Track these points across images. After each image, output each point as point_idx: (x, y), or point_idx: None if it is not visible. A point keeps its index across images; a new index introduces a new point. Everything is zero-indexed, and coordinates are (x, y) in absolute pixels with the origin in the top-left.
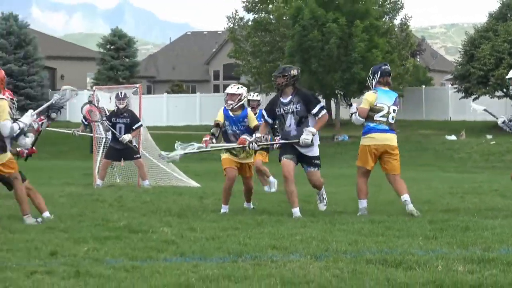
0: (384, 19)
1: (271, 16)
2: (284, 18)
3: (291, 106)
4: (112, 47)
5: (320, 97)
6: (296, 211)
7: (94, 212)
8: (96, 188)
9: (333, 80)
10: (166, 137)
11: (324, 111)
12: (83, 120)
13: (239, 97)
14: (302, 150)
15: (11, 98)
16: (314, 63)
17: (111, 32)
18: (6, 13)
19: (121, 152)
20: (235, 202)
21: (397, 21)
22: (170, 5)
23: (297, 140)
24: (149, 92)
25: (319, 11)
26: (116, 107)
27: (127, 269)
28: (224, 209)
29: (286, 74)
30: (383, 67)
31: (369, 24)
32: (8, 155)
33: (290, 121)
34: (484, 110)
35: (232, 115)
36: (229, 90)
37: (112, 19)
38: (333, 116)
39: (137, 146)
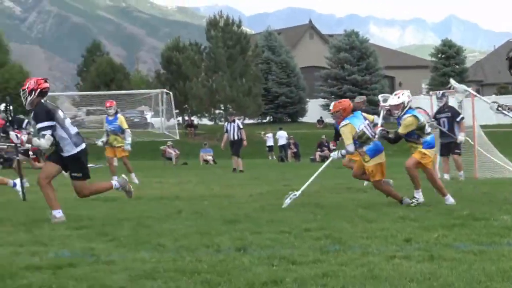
0: None
1: None
2: None
3: None
4: (443, 56)
5: None
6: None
7: (439, 202)
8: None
9: None
10: (491, 134)
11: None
12: None
13: (402, 105)
14: None
15: None
16: None
17: (441, 43)
18: (348, 31)
19: (449, 145)
20: None
21: None
22: (493, 15)
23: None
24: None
25: None
26: (438, 105)
27: (475, 252)
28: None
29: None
30: None
31: None
32: None
33: None
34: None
35: (396, 117)
36: (391, 102)
37: (440, 31)
38: None
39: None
